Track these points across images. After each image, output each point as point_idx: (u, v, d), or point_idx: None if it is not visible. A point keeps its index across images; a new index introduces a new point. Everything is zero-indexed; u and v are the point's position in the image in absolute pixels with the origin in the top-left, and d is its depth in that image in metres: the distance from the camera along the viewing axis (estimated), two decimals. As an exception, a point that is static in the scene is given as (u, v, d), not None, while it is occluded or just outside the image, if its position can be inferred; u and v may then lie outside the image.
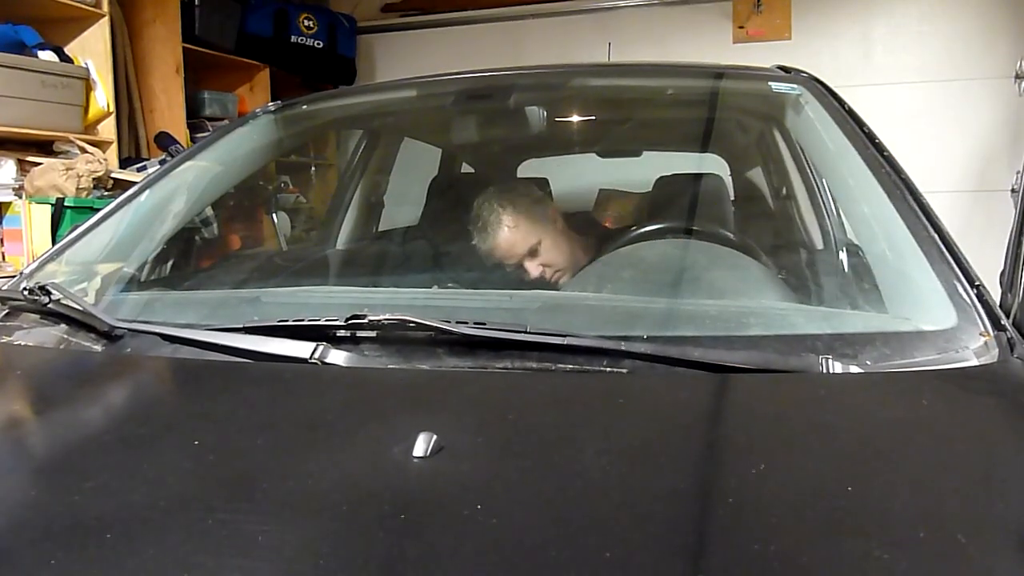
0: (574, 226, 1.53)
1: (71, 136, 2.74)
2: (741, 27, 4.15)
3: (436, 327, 0.81)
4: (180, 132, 3.37)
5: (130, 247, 1.26)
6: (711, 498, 0.57)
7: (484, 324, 0.81)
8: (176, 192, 1.36)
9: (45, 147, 2.78)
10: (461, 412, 0.72)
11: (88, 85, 2.85)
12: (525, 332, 0.80)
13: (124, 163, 3.07)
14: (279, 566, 0.50)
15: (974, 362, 0.77)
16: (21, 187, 2.57)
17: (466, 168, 2.31)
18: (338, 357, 0.81)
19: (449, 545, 0.51)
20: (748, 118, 1.70)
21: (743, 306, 0.95)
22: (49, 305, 0.98)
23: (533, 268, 1.43)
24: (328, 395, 0.77)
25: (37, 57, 2.67)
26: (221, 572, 0.50)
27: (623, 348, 0.78)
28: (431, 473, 0.59)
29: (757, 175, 1.90)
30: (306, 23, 4.20)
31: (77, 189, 2.52)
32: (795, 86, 1.29)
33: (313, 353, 0.82)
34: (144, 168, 2.99)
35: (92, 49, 2.90)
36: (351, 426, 0.70)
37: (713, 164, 1.87)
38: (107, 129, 2.98)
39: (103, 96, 2.91)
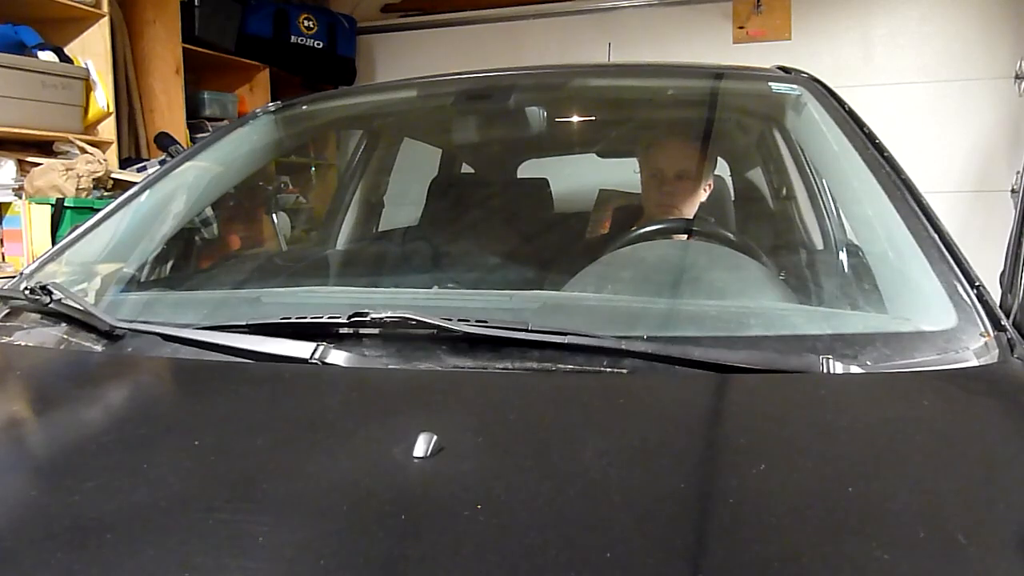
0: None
1: (71, 136, 2.74)
2: (741, 27, 4.15)
3: (437, 324, 0.81)
4: (180, 132, 3.37)
5: (130, 247, 1.26)
6: (712, 498, 0.57)
7: (485, 322, 0.81)
8: (176, 192, 1.36)
9: (45, 147, 2.78)
10: (461, 412, 0.72)
11: (88, 85, 2.85)
12: (526, 331, 0.80)
13: (124, 163, 3.07)
14: (279, 566, 0.50)
15: (974, 362, 0.77)
16: (21, 187, 2.57)
17: (466, 168, 2.31)
18: (338, 357, 0.82)
19: (449, 545, 0.51)
20: (748, 119, 1.70)
21: (743, 306, 0.95)
22: (50, 305, 0.98)
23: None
24: (328, 395, 0.77)
25: (37, 57, 2.67)
26: (221, 572, 0.50)
27: (623, 348, 0.78)
28: (431, 473, 0.59)
29: (757, 175, 1.90)
30: (306, 23, 4.20)
31: (77, 189, 2.53)
32: (795, 87, 1.29)
33: (313, 353, 0.82)
34: (144, 168, 2.99)
35: (92, 49, 2.90)
36: (351, 426, 0.70)
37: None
38: (107, 129, 2.98)
39: (103, 96, 2.91)
